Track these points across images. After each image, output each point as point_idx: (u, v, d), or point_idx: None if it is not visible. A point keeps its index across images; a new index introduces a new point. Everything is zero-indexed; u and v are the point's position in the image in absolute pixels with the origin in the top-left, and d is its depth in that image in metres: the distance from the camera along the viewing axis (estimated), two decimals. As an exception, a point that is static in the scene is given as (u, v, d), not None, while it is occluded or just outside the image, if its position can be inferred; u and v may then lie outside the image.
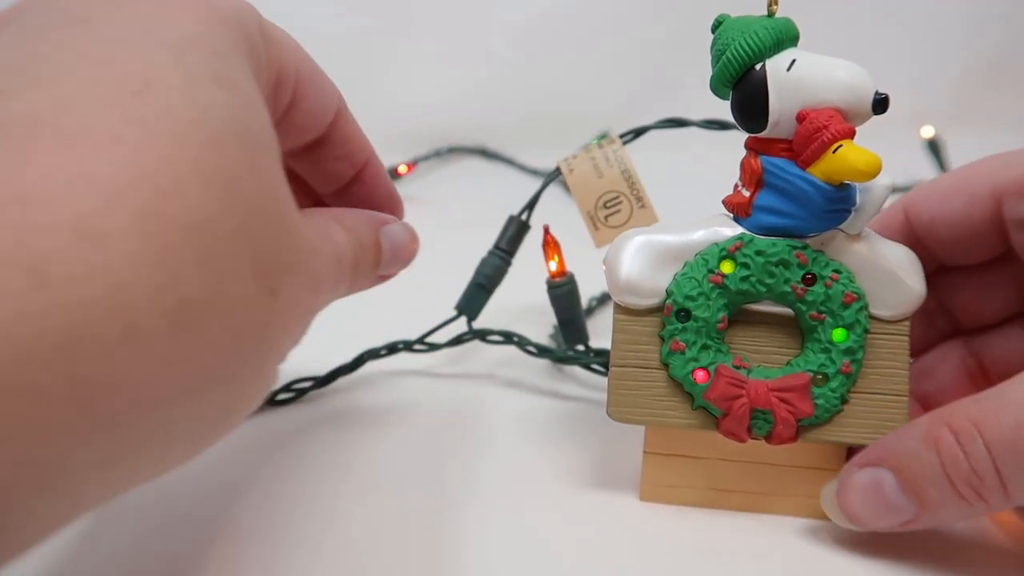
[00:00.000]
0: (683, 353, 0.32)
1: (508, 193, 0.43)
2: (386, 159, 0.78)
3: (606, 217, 0.41)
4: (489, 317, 0.45)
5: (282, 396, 0.42)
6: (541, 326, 0.49)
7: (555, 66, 0.94)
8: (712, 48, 0.32)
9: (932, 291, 0.35)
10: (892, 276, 0.32)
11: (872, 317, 0.32)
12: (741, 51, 0.30)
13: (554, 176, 0.42)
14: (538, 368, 0.46)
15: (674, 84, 0.80)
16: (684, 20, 0.92)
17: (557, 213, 0.45)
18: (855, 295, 0.32)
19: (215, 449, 0.36)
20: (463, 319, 0.45)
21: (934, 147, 0.84)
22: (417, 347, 0.45)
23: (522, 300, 0.47)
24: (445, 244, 0.46)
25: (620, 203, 0.41)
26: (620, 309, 0.33)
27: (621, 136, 0.42)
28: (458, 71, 0.92)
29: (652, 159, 0.46)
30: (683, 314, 0.32)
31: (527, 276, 0.45)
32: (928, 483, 0.29)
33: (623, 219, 0.41)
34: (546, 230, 0.43)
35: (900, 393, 0.32)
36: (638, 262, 0.32)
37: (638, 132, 0.42)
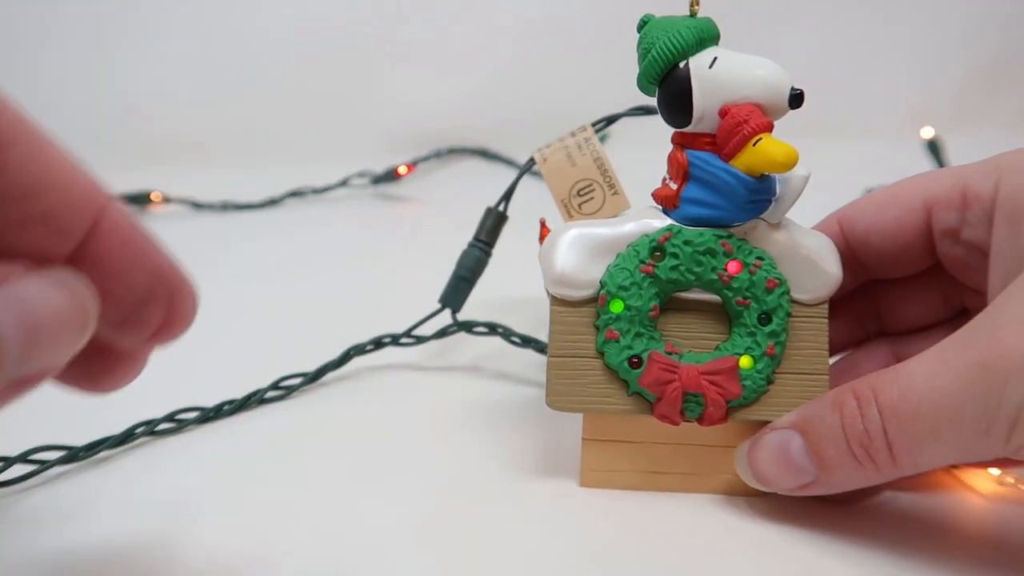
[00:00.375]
0: (617, 341, 0.33)
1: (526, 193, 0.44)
2: (386, 160, 0.81)
3: (580, 205, 0.41)
4: (473, 309, 0.46)
5: (271, 394, 0.43)
6: (525, 317, 0.50)
7: (556, 67, 0.96)
8: (638, 47, 0.33)
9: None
10: (811, 262, 0.34)
11: (793, 301, 0.34)
12: (665, 50, 0.32)
13: (528, 166, 0.43)
14: (523, 358, 0.47)
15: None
16: None
17: (540, 202, 0.45)
18: (777, 280, 0.33)
19: (205, 447, 0.38)
20: (449, 313, 0.46)
21: (934, 148, 0.85)
22: (404, 340, 0.46)
23: (505, 292, 0.48)
24: (445, 244, 0.47)
25: (593, 190, 0.41)
26: (556, 301, 0.34)
27: (593, 124, 0.43)
28: (458, 72, 0.93)
29: (625, 147, 0.47)
30: (616, 305, 0.33)
31: (508, 267, 0.46)
32: (829, 444, 0.31)
33: (596, 206, 0.41)
34: (542, 224, 0.44)
35: (821, 372, 0.34)
36: (572, 255, 0.34)
37: (610, 120, 0.43)
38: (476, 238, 0.45)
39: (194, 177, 0.80)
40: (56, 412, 0.41)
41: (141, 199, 0.74)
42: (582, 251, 0.34)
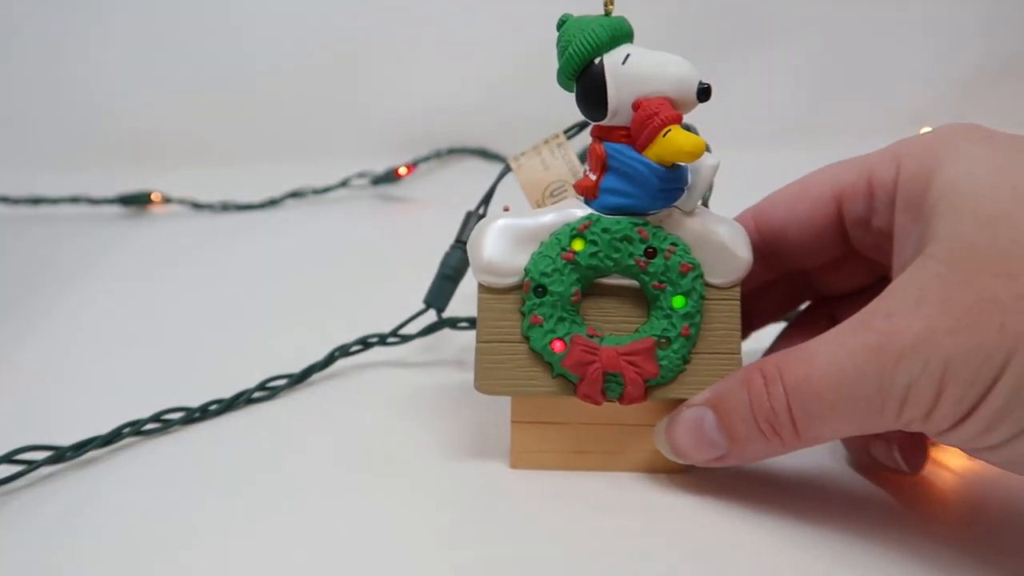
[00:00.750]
0: (541, 326, 0.35)
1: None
2: (387, 160, 0.82)
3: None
4: (457, 306, 0.48)
5: (258, 394, 0.44)
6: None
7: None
8: (557, 44, 0.35)
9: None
10: (722, 248, 0.35)
11: (707, 284, 0.35)
12: (581, 47, 0.34)
13: (505, 172, 0.46)
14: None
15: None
16: (682, 25, 0.94)
17: (521, 203, 0.45)
18: (691, 265, 0.35)
19: (191, 448, 0.40)
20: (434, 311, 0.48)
21: None
22: (390, 340, 0.48)
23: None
24: (444, 244, 0.48)
25: (565, 192, 0.43)
26: (483, 289, 0.36)
27: (566, 131, 0.45)
28: (459, 72, 0.93)
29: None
30: (540, 290, 0.35)
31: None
32: (738, 419, 0.33)
33: (568, 206, 0.44)
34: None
35: (734, 351, 0.35)
36: (498, 244, 0.36)
37: (582, 126, 0.45)
38: (458, 239, 0.47)
39: (194, 177, 0.81)
40: (42, 412, 0.43)
41: (141, 199, 0.76)
42: (508, 241, 0.36)
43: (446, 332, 0.49)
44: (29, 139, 0.88)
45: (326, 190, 0.80)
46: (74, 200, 0.75)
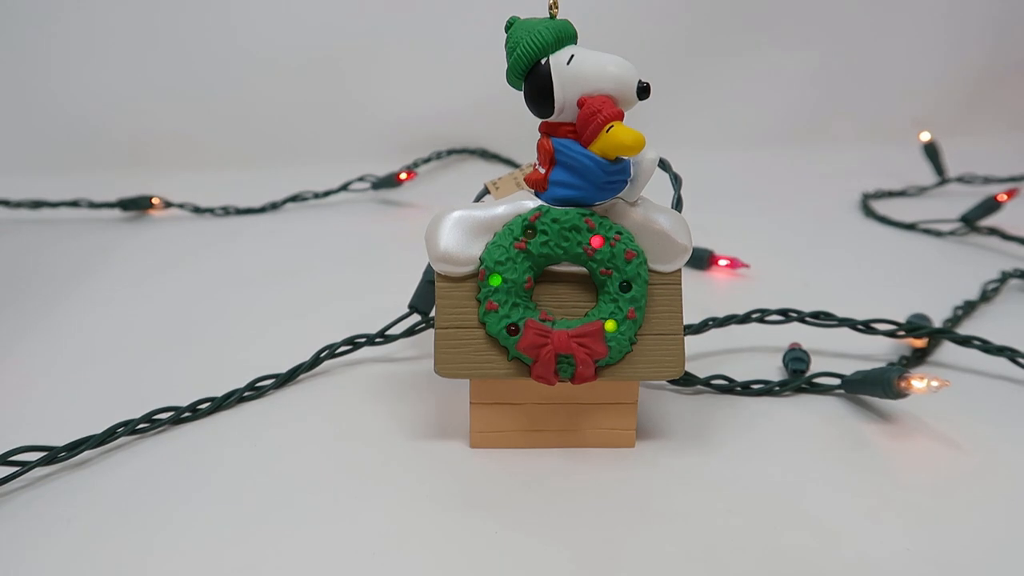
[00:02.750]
0: (497, 311, 0.37)
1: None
2: (387, 162, 0.84)
3: None
4: None
5: (248, 394, 0.46)
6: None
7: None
8: (506, 46, 0.37)
9: None
10: (664, 236, 0.37)
11: (651, 271, 0.37)
12: (528, 48, 0.36)
13: (483, 194, 0.49)
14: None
15: (669, 90, 0.86)
16: (678, 32, 0.96)
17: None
18: (635, 252, 0.37)
19: (182, 446, 0.41)
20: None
21: (931, 150, 0.87)
22: (377, 340, 0.49)
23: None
24: None
25: None
26: (441, 278, 0.38)
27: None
28: (459, 74, 0.95)
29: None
30: (494, 279, 0.37)
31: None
32: None
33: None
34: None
35: (676, 332, 0.37)
36: (454, 235, 0.38)
37: None
38: None
39: (196, 181, 0.83)
40: (37, 413, 0.44)
41: (142, 203, 0.77)
42: (463, 232, 0.38)
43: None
44: (29, 142, 0.90)
45: (327, 194, 0.82)
46: (74, 204, 0.77)
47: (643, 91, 0.35)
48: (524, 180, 0.38)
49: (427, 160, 0.89)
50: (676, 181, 0.48)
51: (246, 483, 0.38)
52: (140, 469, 0.39)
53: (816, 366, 0.48)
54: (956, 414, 0.44)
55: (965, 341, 0.47)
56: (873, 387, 0.43)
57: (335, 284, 0.62)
